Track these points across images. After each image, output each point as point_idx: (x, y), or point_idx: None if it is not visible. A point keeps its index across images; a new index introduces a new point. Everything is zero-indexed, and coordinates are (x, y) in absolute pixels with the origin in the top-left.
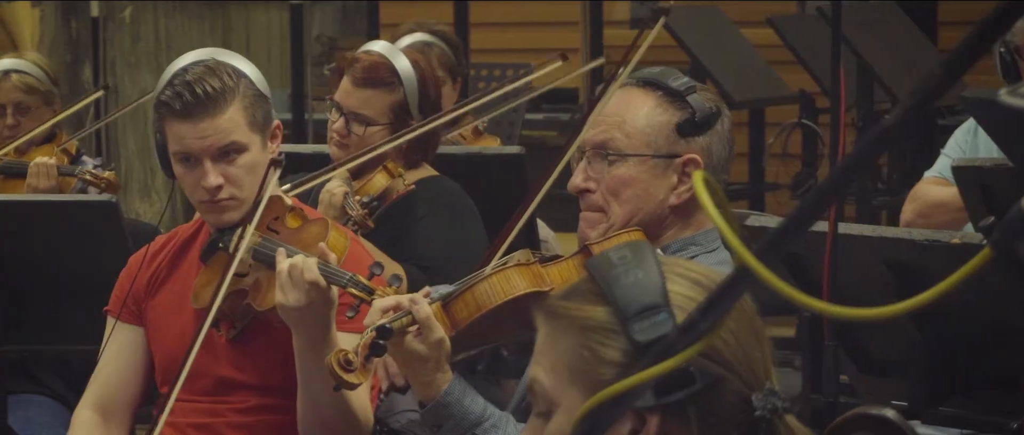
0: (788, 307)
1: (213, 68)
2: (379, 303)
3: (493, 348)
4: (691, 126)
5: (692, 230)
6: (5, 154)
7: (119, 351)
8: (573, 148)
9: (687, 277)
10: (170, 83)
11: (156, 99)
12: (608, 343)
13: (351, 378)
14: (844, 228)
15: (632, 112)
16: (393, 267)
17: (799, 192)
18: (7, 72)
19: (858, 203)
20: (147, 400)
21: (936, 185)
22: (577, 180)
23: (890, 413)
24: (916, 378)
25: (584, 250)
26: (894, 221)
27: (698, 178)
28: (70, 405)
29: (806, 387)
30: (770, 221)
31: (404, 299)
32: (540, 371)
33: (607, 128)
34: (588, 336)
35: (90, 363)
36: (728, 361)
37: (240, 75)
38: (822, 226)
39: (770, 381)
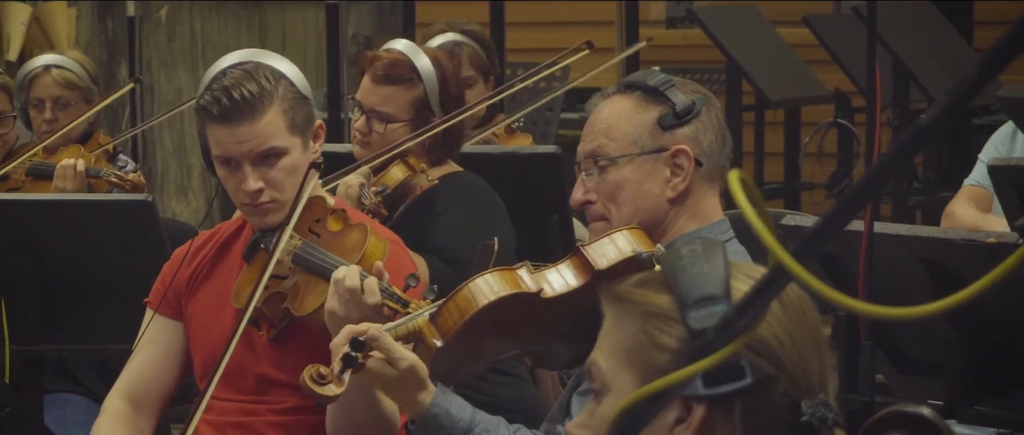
0: (824, 306)
1: (251, 72)
2: (346, 329)
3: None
4: (672, 118)
5: (698, 223)
6: (34, 155)
7: (154, 343)
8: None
9: (754, 278)
10: (209, 87)
11: (196, 103)
12: (666, 330)
13: (325, 391)
14: (880, 227)
15: (615, 117)
16: (417, 262)
17: (834, 191)
18: (47, 67)
19: (894, 202)
20: (185, 397)
21: (966, 202)
22: (577, 195)
23: (926, 411)
24: (952, 377)
25: (576, 252)
26: (930, 220)
27: (734, 177)
28: None
29: (842, 386)
30: (805, 220)
31: (374, 328)
32: (599, 354)
33: (594, 137)
34: (648, 321)
35: (126, 362)
36: (781, 362)
37: (279, 77)
38: (858, 225)
39: (826, 393)
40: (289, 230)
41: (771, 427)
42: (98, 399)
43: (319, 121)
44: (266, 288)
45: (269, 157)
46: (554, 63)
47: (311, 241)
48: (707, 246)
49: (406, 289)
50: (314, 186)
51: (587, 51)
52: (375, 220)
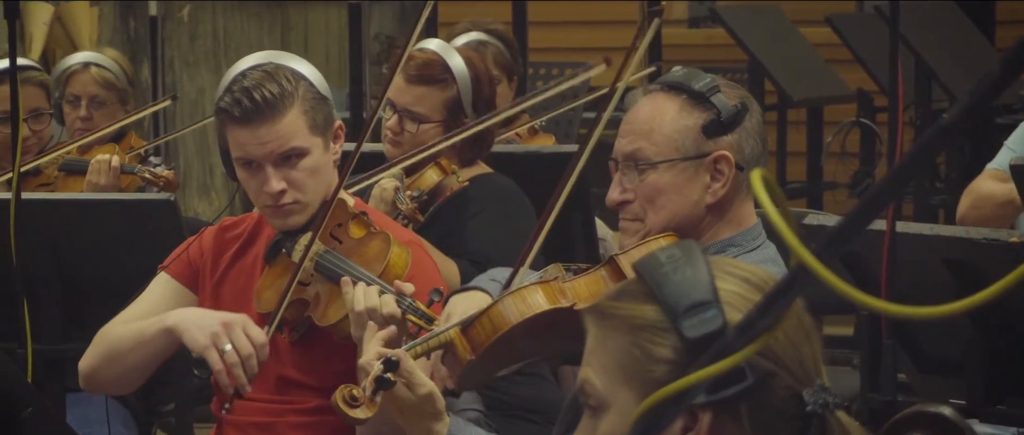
0: (846, 306)
1: (271, 73)
2: (374, 348)
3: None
4: (717, 126)
5: (730, 230)
6: (68, 153)
7: (161, 299)
8: (587, 151)
9: (735, 275)
10: (229, 89)
11: (216, 105)
12: (659, 341)
13: (357, 413)
14: (902, 227)
15: (658, 119)
16: (447, 266)
17: (857, 191)
18: (87, 64)
19: (916, 202)
20: (206, 396)
21: (991, 180)
22: (614, 195)
23: (947, 411)
24: (974, 376)
25: (610, 261)
26: (952, 220)
27: (756, 177)
28: (128, 403)
29: (864, 386)
30: (828, 220)
31: (398, 351)
32: (591, 372)
33: (635, 138)
34: (639, 335)
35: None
36: (778, 357)
37: (299, 78)
38: (880, 225)
39: (821, 377)
40: (316, 237)
41: (778, 422)
42: (121, 398)
43: (339, 122)
44: (291, 294)
45: (291, 157)
46: (585, 73)
47: (333, 247)
48: (685, 249)
49: (430, 304)
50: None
51: (605, 67)
52: (402, 223)
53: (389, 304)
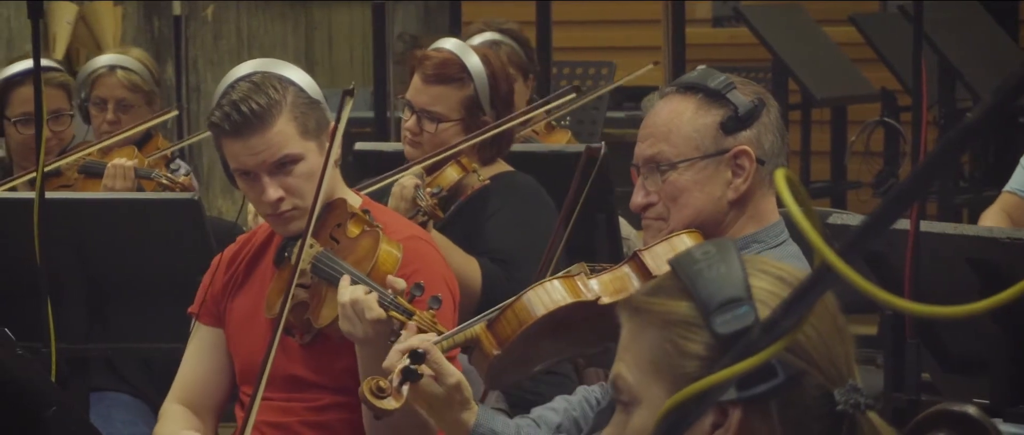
0: (870, 305)
1: (258, 83)
2: (397, 345)
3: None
4: (735, 122)
5: (753, 226)
6: (89, 154)
7: (201, 353)
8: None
9: (770, 273)
10: (219, 103)
11: (208, 120)
12: (690, 337)
13: (385, 404)
14: (926, 226)
15: (676, 121)
16: (469, 263)
17: (881, 190)
18: (113, 67)
19: (940, 201)
20: (228, 397)
21: (999, 215)
22: (637, 199)
23: (972, 409)
24: (998, 376)
25: (634, 257)
26: (975, 219)
27: (780, 176)
28: (151, 401)
29: (888, 385)
30: (852, 219)
31: (417, 341)
32: (623, 367)
33: (654, 141)
34: (671, 330)
35: (172, 360)
36: (810, 355)
37: (287, 85)
38: (904, 224)
39: (853, 377)
40: (307, 241)
41: (808, 420)
42: (144, 397)
43: (332, 123)
44: (293, 297)
45: (285, 165)
46: (609, 72)
47: (330, 248)
48: (720, 246)
49: (412, 300)
50: (338, 187)
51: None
52: (422, 220)
53: (371, 300)
